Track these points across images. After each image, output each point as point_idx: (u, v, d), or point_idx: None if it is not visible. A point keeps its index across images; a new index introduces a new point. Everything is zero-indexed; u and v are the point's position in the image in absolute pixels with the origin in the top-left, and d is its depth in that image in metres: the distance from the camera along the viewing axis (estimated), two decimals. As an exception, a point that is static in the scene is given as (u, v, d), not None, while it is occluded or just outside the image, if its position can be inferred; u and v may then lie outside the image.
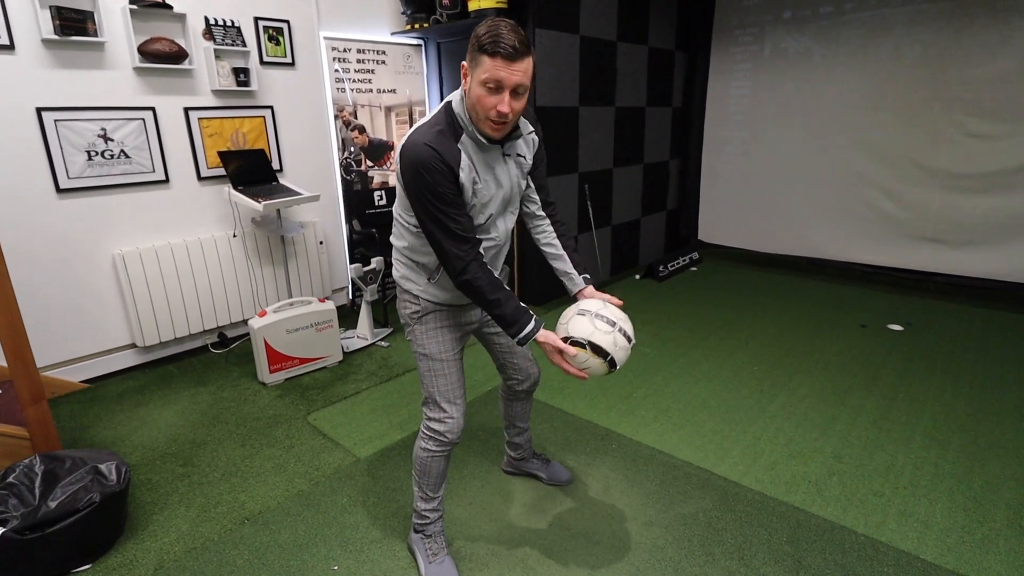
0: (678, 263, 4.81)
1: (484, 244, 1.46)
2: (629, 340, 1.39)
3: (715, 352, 3.19)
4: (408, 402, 2.71)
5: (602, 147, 4.24)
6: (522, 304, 1.42)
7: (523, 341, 1.40)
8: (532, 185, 1.60)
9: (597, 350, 1.35)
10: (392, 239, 1.58)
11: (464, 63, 1.29)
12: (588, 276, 1.64)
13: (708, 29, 4.86)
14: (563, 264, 1.64)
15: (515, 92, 1.25)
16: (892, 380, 2.81)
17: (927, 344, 3.22)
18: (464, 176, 1.33)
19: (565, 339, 1.38)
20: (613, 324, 1.38)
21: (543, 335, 1.40)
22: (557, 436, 2.39)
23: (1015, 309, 3.74)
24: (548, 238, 1.65)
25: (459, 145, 1.33)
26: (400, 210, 1.49)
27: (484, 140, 1.34)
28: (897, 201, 4.16)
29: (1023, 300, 3.86)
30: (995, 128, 3.69)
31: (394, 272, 1.60)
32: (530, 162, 1.53)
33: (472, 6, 3.43)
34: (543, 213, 1.65)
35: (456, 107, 1.35)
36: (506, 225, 1.53)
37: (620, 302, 1.49)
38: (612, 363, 1.37)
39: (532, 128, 1.51)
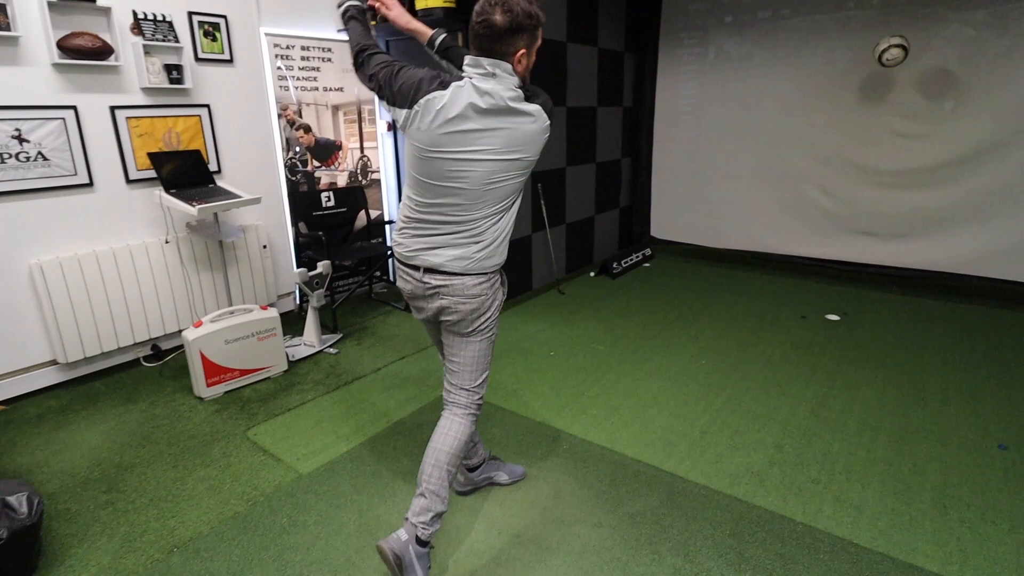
0: (631, 260, 4.88)
1: None
2: None
3: (666, 347, 3.24)
4: (356, 412, 2.64)
5: (555, 147, 4.25)
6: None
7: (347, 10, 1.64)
8: None
9: None
10: (491, 232, 1.52)
11: (525, 50, 1.40)
12: None
13: (656, 31, 4.94)
14: None
15: None
16: (830, 369, 2.92)
17: (861, 333, 3.37)
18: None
19: None
20: None
21: None
22: (509, 440, 2.37)
23: (940, 297, 3.95)
24: None
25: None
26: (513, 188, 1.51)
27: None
28: (832, 197, 4.34)
29: (948, 288, 4.09)
30: (918, 128, 3.90)
31: (483, 263, 1.54)
32: None
33: (419, 5, 3.37)
34: None
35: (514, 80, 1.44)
36: None
37: None
38: None
39: None
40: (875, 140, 4.07)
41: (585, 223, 4.81)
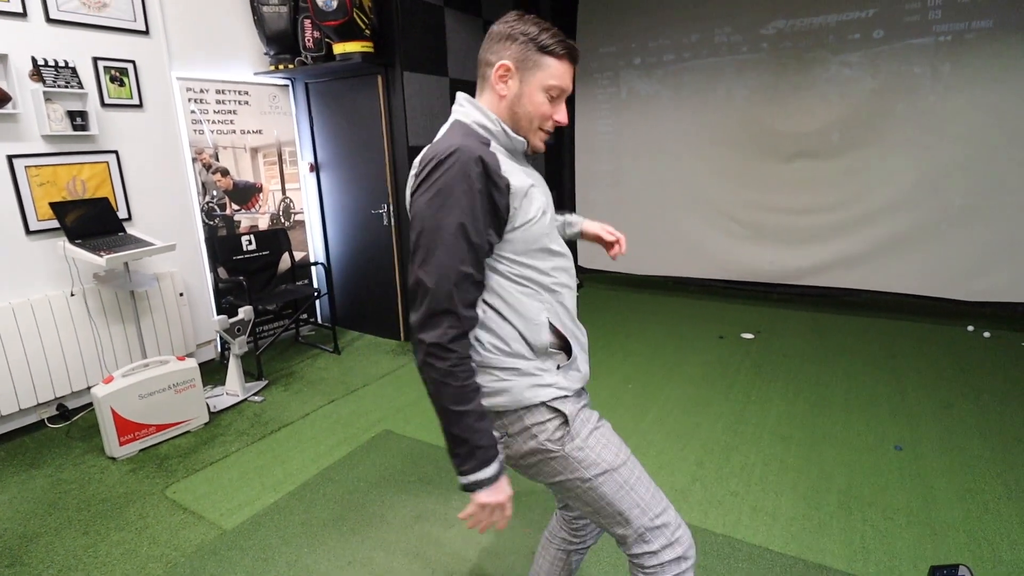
0: (560, 291, 5.01)
1: (553, 285, 1.11)
2: None
3: (595, 372, 3.34)
4: (283, 460, 2.56)
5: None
6: (491, 428, 1.02)
7: (470, 487, 0.99)
8: None
9: None
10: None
11: (507, 63, 1.05)
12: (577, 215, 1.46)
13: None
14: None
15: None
16: (745, 385, 3.11)
17: (774, 349, 3.62)
18: (518, 182, 1.03)
19: None
20: None
21: (495, 490, 1.00)
22: (407, 468, 2.36)
23: (841, 311, 4.31)
24: None
25: (491, 149, 1.05)
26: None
27: (519, 141, 1.10)
28: (740, 223, 4.67)
29: (848, 303, 4.47)
30: (808, 157, 4.30)
31: (490, 400, 1.07)
32: None
33: (337, 50, 3.43)
34: None
35: (472, 117, 1.09)
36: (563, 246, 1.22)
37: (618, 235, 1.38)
38: None
39: None
40: (773, 170, 4.45)
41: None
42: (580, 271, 5.53)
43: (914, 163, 3.94)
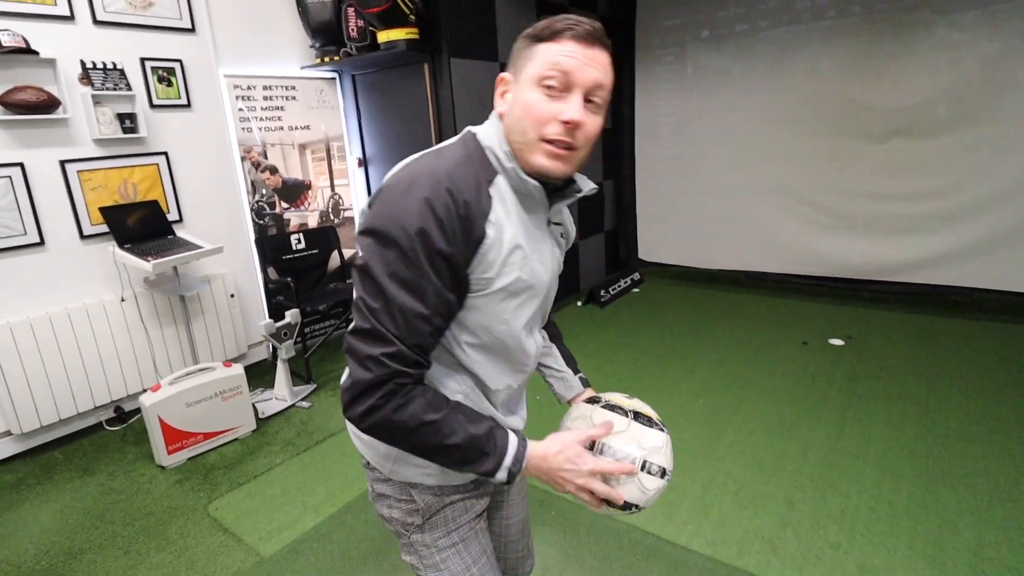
0: (620, 286, 4.69)
1: (488, 383, 0.91)
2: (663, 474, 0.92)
3: (659, 384, 3.04)
4: (326, 477, 2.43)
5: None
6: (488, 419, 0.87)
7: (514, 473, 0.84)
8: None
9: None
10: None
11: (504, 75, 0.85)
12: (584, 376, 1.16)
13: (631, 50, 4.83)
14: (552, 361, 1.14)
15: (589, 100, 0.80)
16: (839, 403, 2.71)
17: (869, 359, 3.17)
18: (495, 235, 0.80)
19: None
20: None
21: (539, 448, 0.86)
22: (491, 504, 2.15)
23: (948, 314, 3.76)
24: None
25: (491, 190, 0.82)
26: None
27: (533, 186, 0.83)
28: (826, 211, 4.17)
29: (956, 304, 3.90)
30: (911, 135, 3.75)
31: (354, 440, 1.00)
32: (567, 244, 1.04)
33: (381, 39, 3.24)
34: None
35: (486, 138, 0.85)
36: (537, 341, 0.97)
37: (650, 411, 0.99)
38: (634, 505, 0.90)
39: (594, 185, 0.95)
40: (864, 151, 3.92)
41: (569, 251, 4.62)
42: (640, 264, 5.17)
43: (1042, 140, 3.36)
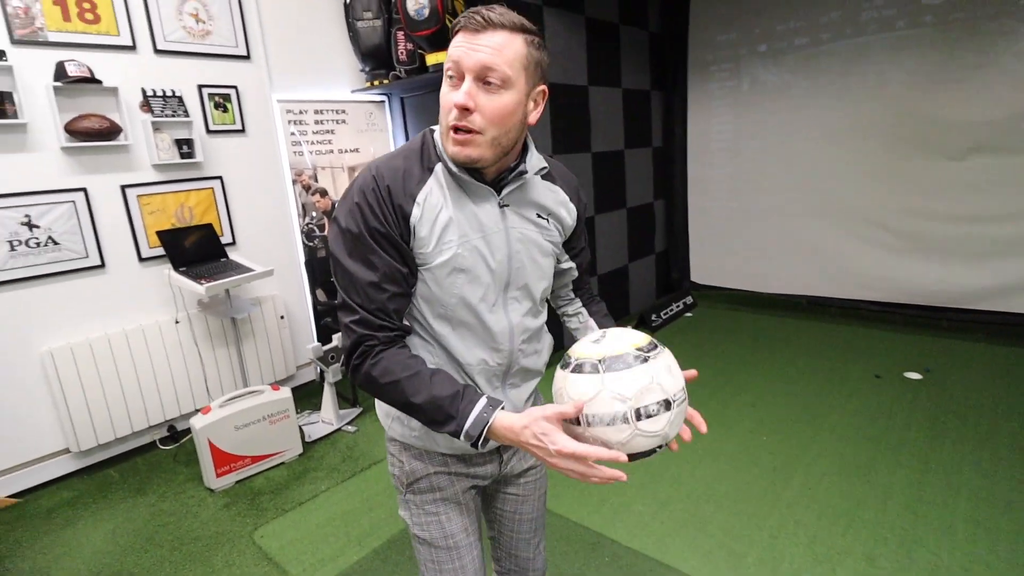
0: (672, 310, 4.52)
1: (457, 356, 0.98)
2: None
3: (718, 419, 2.86)
4: (371, 507, 2.37)
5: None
6: (455, 381, 0.91)
7: (473, 437, 0.86)
8: (565, 264, 1.14)
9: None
10: None
11: None
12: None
13: (683, 67, 4.71)
14: (583, 331, 1.22)
15: (483, 80, 0.85)
16: (920, 446, 2.48)
17: (952, 395, 2.91)
18: (423, 213, 0.90)
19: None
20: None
21: (508, 419, 0.85)
22: (541, 546, 2.04)
23: (1039, 344, 3.44)
24: (575, 320, 1.24)
25: (430, 177, 0.93)
26: None
27: (465, 173, 0.91)
28: (895, 232, 3.91)
29: (1045, 333, 3.57)
30: (993, 156, 3.48)
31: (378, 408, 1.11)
32: (567, 227, 1.07)
33: (430, 61, 3.24)
34: (573, 300, 1.22)
35: (438, 133, 0.96)
36: (510, 322, 1.01)
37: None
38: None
39: (552, 168, 1.05)
40: (939, 170, 3.66)
41: (618, 272, 4.50)
42: (693, 287, 4.98)
43: None
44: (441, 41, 3.11)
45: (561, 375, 0.88)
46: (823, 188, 4.15)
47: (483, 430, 0.85)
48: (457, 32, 0.87)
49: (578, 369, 0.85)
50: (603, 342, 0.87)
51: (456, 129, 0.87)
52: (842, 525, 2.01)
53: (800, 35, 4.05)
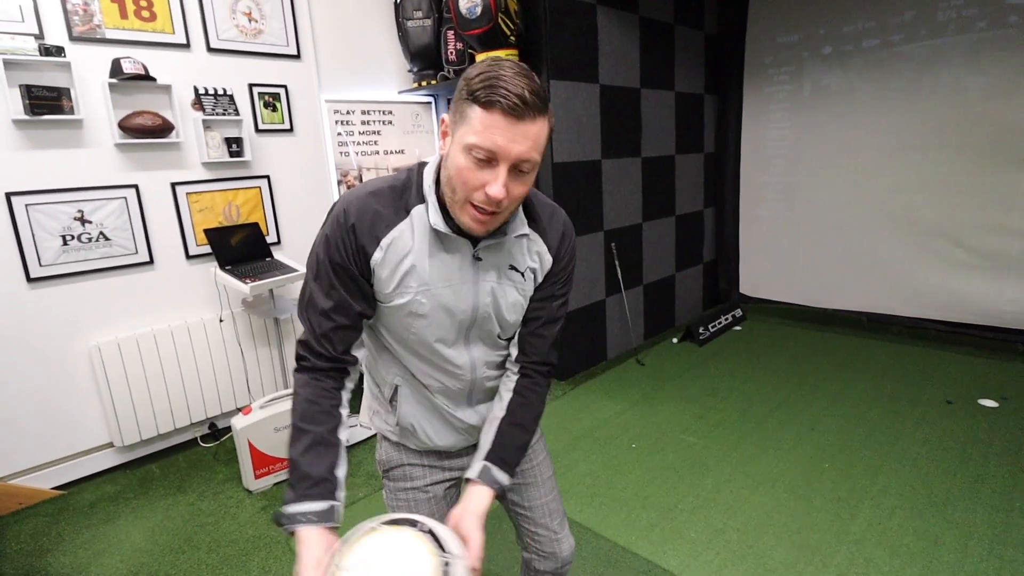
0: (720, 322, 4.33)
1: (419, 378, 1.05)
2: None
3: (774, 442, 2.69)
4: (409, 519, 2.29)
5: (629, 201, 3.87)
6: (329, 461, 0.93)
7: (280, 523, 0.90)
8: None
9: None
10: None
11: (445, 118, 0.91)
12: (502, 481, 1.02)
13: (739, 69, 4.52)
14: (484, 435, 1.07)
15: (517, 169, 0.85)
16: (1002, 481, 2.26)
17: (1035, 427, 2.67)
18: (385, 256, 0.92)
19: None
20: None
21: (308, 535, 0.87)
22: (585, 572, 1.93)
23: None
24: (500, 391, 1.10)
25: (403, 219, 0.93)
26: None
27: (440, 232, 0.93)
28: (967, 250, 3.64)
29: None
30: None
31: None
32: (541, 273, 1.04)
33: (480, 59, 3.17)
34: (513, 364, 1.08)
35: (427, 174, 0.95)
36: (472, 356, 1.04)
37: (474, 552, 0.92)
38: None
39: (531, 228, 1.01)
40: (1019, 182, 3.38)
41: (664, 282, 4.34)
42: (742, 299, 4.78)
43: None
44: (492, 40, 3.03)
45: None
46: (890, 199, 3.91)
47: (288, 527, 0.89)
48: (489, 108, 0.81)
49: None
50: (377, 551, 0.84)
51: (479, 208, 0.87)
52: (919, 567, 1.84)
53: (869, 36, 3.82)
